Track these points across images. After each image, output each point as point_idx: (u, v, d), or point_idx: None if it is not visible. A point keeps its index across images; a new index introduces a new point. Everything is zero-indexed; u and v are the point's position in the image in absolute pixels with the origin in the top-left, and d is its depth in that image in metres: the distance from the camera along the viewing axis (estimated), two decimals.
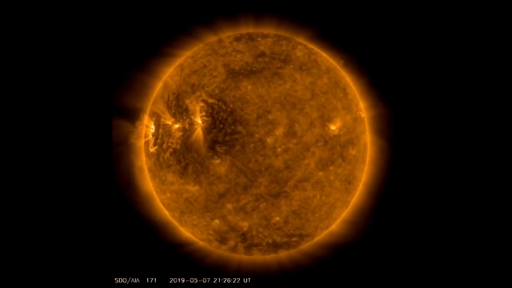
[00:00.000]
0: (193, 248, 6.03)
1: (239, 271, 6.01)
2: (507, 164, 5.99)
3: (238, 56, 5.47)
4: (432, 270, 6.05)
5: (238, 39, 5.72)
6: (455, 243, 6.04)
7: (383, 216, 6.10)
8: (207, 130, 5.25)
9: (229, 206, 5.34)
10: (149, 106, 5.90)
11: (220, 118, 5.22)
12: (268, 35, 5.79)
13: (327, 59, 5.90)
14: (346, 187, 5.67)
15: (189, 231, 5.84)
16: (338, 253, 6.09)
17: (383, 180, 6.09)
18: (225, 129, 5.19)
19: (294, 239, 5.69)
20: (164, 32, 6.07)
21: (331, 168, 5.44)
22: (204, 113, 5.28)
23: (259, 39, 5.66)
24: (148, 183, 5.88)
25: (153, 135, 5.66)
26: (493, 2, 5.99)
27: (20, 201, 5.91)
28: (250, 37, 5.71)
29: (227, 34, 5.92)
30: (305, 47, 5.79)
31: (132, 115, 5.97)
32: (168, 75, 5.84)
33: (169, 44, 6.02)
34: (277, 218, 5.43)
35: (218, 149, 5.21)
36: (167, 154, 5.43)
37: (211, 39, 5.94)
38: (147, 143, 5.72)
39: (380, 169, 6.08)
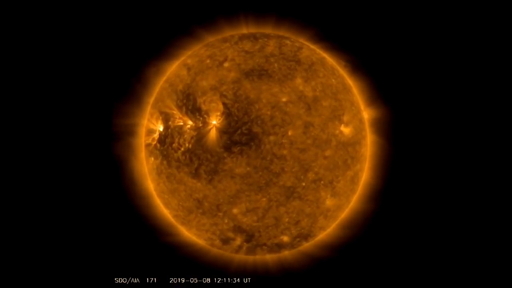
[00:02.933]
0: (194, 248, 6.00)
1: (239, 271, 6.01)
2: (507, 164, 6.09)
3: (248, 56, 5.45)
4: (431, 270, 6.11)
5: (241, 38, 5.70)
6: (454, 243, 6.12)
7: (383, 216, 6.15)
8: (222, 130, 5.22)
9: (242, 206, 5.33)
10: (150, 106, 5.85)
11: (235, 118, 5.19)
12: (270, 35, 5.79)
13: (330, 59, 5.93)
14: (351, 188, 5.72)
15: (192, 231, 5.81)
16: (337, 253, 6.12)
17: (383, 180, 6.15)
18: (240, 129, 5.17)
19: (298, 239, 5.70)
20: (164, 32, 6.04)
21: (342, 168, 5.48)
22: (218, 113, 5.25)
23: (265, 39, 5.66)
24: (151, 183, 5.82)
25: (160, 134, 5.59)
26: (493, 3, 6.09)
27: (20, 201, 5.84)
28: (254, 37, 5.70)
29: (229, 34, 5.91)
30: (308, 47, 5.82)
31: (134, 114, 5.93)
32: (173, 74, 5.79)
33: (170, 43, 5.99)
34: (287, 219, 5.43)
35: (234, 149, 5.18)
36: (179, 154, 5.37)
37: (213, 38, 5.92)
38: (153, 142, 5.65)
39: (380, 169, 6.14)
